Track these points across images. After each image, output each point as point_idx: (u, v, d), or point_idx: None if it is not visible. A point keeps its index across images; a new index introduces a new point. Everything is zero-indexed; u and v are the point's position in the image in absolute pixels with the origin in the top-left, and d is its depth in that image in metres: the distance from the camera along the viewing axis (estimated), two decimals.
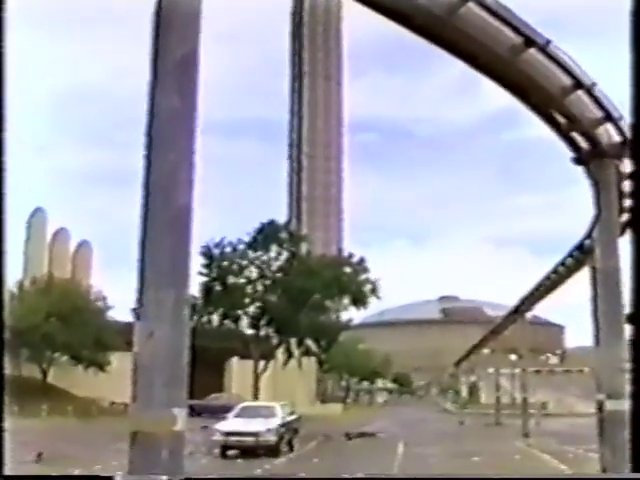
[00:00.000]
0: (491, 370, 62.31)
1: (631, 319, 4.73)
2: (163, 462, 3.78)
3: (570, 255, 24.65)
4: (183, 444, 3.78)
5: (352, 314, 65.11)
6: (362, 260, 60.23)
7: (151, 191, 3.97)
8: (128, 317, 62.71)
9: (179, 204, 3.95)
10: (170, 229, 3.87)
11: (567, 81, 11.26)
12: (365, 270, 59.66)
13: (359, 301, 59.56)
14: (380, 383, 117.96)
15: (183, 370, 3.83)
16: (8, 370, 39.67)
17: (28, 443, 27.23)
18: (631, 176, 13.24)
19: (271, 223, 59.81)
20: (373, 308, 65.82)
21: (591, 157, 13.39)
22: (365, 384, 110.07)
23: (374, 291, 59.19)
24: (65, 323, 55.08)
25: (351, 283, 58.77)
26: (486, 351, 65.89)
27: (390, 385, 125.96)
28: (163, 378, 3.74)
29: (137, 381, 3.82)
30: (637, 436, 4.67)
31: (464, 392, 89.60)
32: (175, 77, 4.11)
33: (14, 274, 68.88)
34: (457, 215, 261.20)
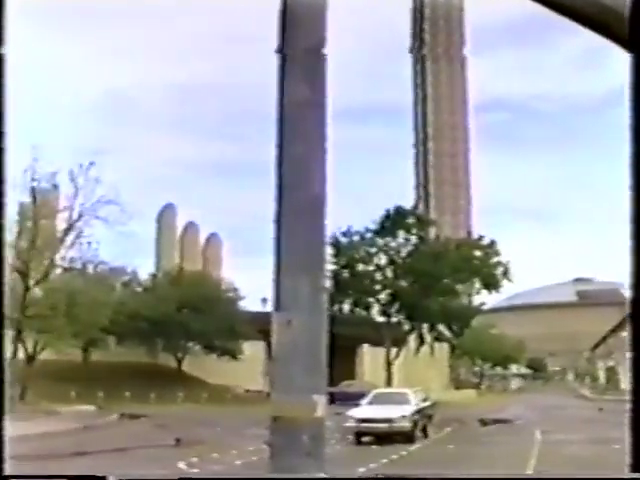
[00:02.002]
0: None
1: (631, 318, 4.54)
2: (304, 447, 3.83)
3: None
4: (324, 430, 3.83)
5: (484, 298, 64.32)
6: (492, 243, 59.37)
7: (284, 181, 4.03)
8: (259, 306, 64.26)
9: (312, 193, 3.99)
10: (304, 218, 3.92)
11: None
12: (496, 253, 58.79)
13: (491, 285, 58.79)
14: (514, 369, 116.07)
15: (322, 357, 3.87)
16: (146, 359, 41.37)
17: (166, 428, 28.37)
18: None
19: (398, 209, 59.71)
20: (505, 292, 64.81)
21: None
22: (498, 370, 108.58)
23: (506, 274, 58.29)
24: (198, 313, 56.81)
25: (482, 266, 58.05)
26: (624, 334, 63.76)
27: (524, 370, 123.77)
28: (302, 365, 3.80)
29: (276, 368, 3.89)
30: (637, 436, 4.46)
31: (602, 377, 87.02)
32: (303, 66, 4.14)
33: (147, 268, 71.63)
34: (589, 195, 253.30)
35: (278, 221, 4.06)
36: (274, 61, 4.58)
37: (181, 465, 17.30)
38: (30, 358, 46.71)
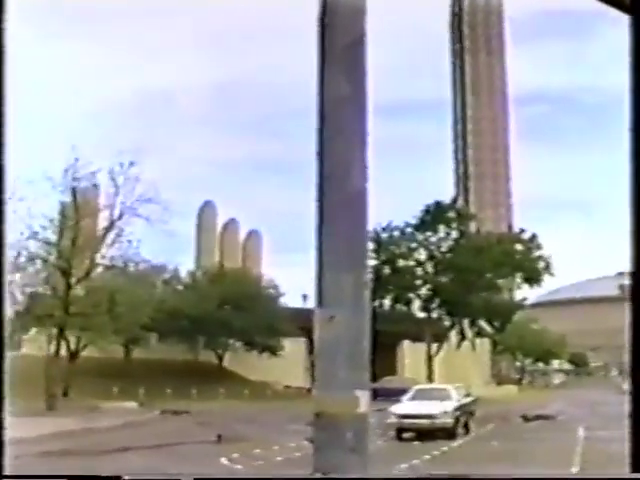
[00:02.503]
0: None
1: (632, 314, 4.44)
2: (347, 443, 3.83)
3: None
4: (367, 426, 3.83)
5: (525, 293, 63.76)
6: (534, 237, 58.81)
7: (325, 178, 4.02)
8: (299, 303, 64.35)
9: (353, 189, 3.98)
10: (346, 214, 3.91)
11: None
12: (538, 247, 58.24)
13: (532, 279, 58.26)
14: (556, 364, 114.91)
15: (365, 353, 3.86)
16: (187, 356, 41.59)
17: (207, 425, 28.56)
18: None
19: (438, 203, 59.43)
20: (547, 286, 64.14)
21: None
22: (540, 365, 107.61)
23: (547, 268, 57.71)
24: (239, 310, 57.05)
25: (523, 261, 57.54)
26: None
27: (566, 366, 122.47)
28: (345, 361, 3.79)
29: (319, 364, 3.89)
30: (637, 436, 4.38)
31: None
32: (343, 63, 4.13)
33: (187, 266, 72.13)
34: None
35: (320, 217, 4.06)
36: (314, 57, 4.59)
37: (223, 461, 17.39)
38: (73, 355, 47.25)
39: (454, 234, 58.71)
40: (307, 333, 55.78)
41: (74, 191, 41.57)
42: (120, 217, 42.25)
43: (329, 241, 3.93)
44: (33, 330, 53.46)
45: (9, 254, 43.00)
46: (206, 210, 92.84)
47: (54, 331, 42.31)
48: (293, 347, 61.28)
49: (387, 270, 56.45)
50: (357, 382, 3.89)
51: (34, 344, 53.25)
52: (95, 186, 43.95)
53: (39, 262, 44.03)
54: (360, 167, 4.07)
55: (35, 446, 20.33)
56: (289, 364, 59.65)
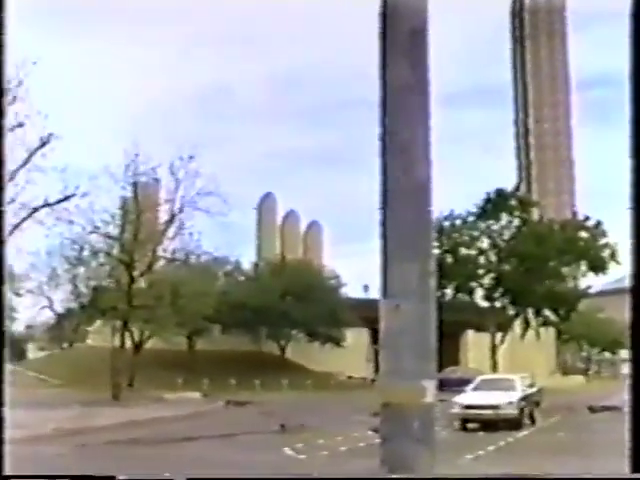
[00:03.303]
0: None
1: (632, 314, 4.29)
2: (414, 433, 3.81)
3: None
4: (434, 416, 3.80)
5: (591, 281, 62.64)
6: (599, 224, 57.70)
7: (388, 167, 3.99)
8: (361, 293, 64.34)
9: (417, 178, 3.95)
10: (410, 204, 3.88)
11: None
12: (603, 234, 57.10)
13: (597, 267, 57.19)
14: (623, 354, 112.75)
15: (431, 343, 3.83)
16: (250, 347, 41.91)
17: (271, 415, 28.76)
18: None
19: (499, 191, 58.73)
20: (613, 274, 62.85)
21: None
22: (606, 355, 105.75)
23: (613, 256, 56.53)
24: (300, 301, 57.19)
25: (588, 248, 56.53)
26: None
27: None
28: (411, 351, 3.77)
29: (385, 354, 3.87)
30: (637, 436, 4.23)
31: None
32: (406, 51, 4.09)
33: (249, 257, 72.65)
34: None
35: (384, 207, 4.04)
36: (374, 46, 4.56)
37: (287, 451, 17.48)
38: (137, 347, 47.98)
39: (516, 222, 57.96)
40: (369, 323, 55.75)
41: (135, 186, 42.11)
42: (181, 210, 42.69)
43: (394, 231, 3.91)
44: (98, 322, 54.48)
45: (74, 248, 43.84)
46: (266, 202, 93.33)
47: (118, 323, 42.99)
48: (355, 338, 61.32)
49: (449, 259, 55.98)
50: (423, 372, 3.87)
51: (99, 336, 54.29)
52: (156, 180, 44.48)
53: (102, 256, 44.75)
54: (424, 156, 4.04)
55: (103, 435, 20.75)
56: (351, 355, 59.71)
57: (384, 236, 3.99)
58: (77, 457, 16.63)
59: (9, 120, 34.10)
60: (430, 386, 3.89)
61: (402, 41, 4.16)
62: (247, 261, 70.14)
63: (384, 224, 4.00)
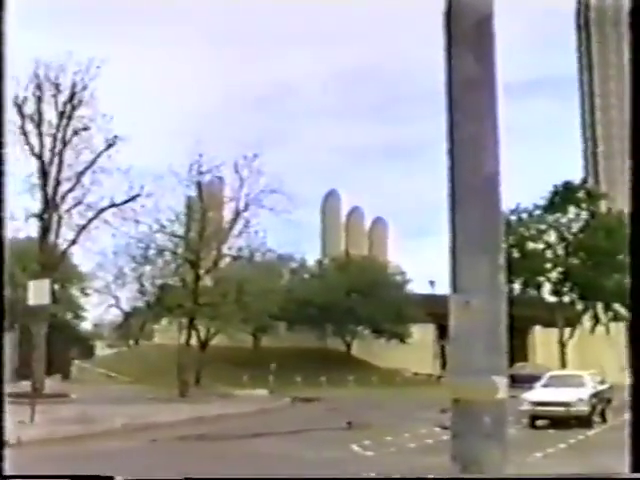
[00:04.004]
0: None
1: (631, 315, 4.12)
2: (485, 429, 3.76)
3: None
4: (506, 412, 3.75)
5: None
6: None
7: (456, 161, 3.95)
8: (427, 289, 63.96)
9: (486, 172, 3.89)
10: (479, 198, 3.83)
11: None
12: None
13: None
14: None
15: (501, 338, 3.77)
16: (315, 343, 41.92)
17: (337, 411, 28.79)
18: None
19: (566, 184, 57.84)
20: None
21: None
22: None
23: None
24: (366, 298, 57.14)
25: None
26: None
27: None
28: (481, 346, 3.72)
29: (455, 350, 3.83)
30: (637, 436, 4.05)
31: None
32: (471, 43, 4.04)
33: (313, 254, 72.83)
34: None
35: (452, 202, 4.00)
36: (438, 40, 4.50)
37: (355, 448, 17.47)
38: (203, 344, 48.46)
39: (584, 215, 57.01)
40: (435, 319, 55.47)
41: (199, 185, 42.49)
42: (245, 209, 42.92)
43: (462, 225, 3.86)
44: (164, 320, 55.21)
45: (140, 247, 44.48)
46: (330, 199, 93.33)
47: (184, 321, 43.46)
48: (421, 334, 61.02)
49: (516, 254, 55.32)
50: (494, 368, 3.81)
51: (165, 334, 55.04)
52: (220, 179, 44.82)
53: (168, 254, 45.28)
54: (492, 149, 3.98)
55: (172, 430, 21.03)
56: (417, 351, 59.43)
57: (453, 231, 3.95)
58: (147, 452, 16.87)
59: (75, 123, 34.85)
60: (501, 382, 3.83)
61: (467, 33, 4.11)
62: (312, 258, 70.33)
63: (453, 219, 3.96)
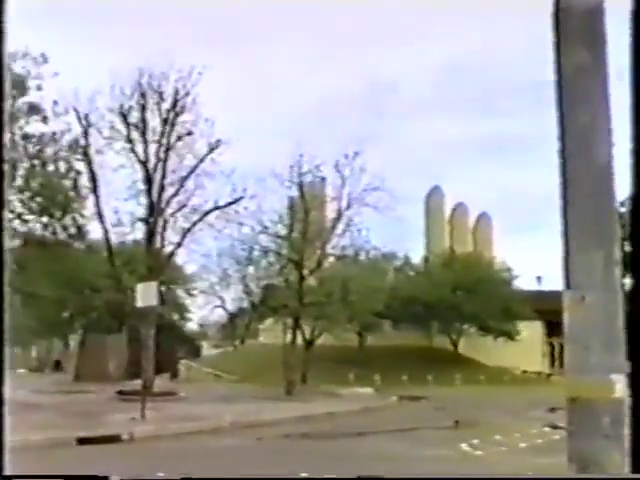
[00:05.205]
0: None
1: (632, 314, 3.79)
2: (604, 429, 3.65)
3: None
4: (625, 412, 3.62)
5: None
6: None
7: (568, 153, 3.84)
8: (533, 286, 62.70)
9: (598, 163, 3.77)
10: (592, 190, 3.71)
11: None
12: None
13: None
14: None
15: (619, 334, 3.65)
16: (421, 341, 41.61)
17: (444, 410, 28.57)
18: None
19: None
20: None
21: None
22: None
23: None
24: (472, 295, 56.50)
25: None
26: None
27: None
28: (598, 344, 3.61)
29: (570, 348, 3.73)
30: (637, 436, 3.70)
31: None
32: (581, 31, 3.92)
33: (417, 252, 72.37)
34: None
35: (564, 194, 3.89)
36: (545, 27, 4.39)
37: (463, 447, 17.28)
38: (308, 344, 48.80)
39: None
40: (543, 316, 54.34)
41: (301, 185, 42.77)
42: (348, 207, 42.96)
43: (575, 218, 3.76)
44: (269, 320, 55.87)
45: (244, 249, 45.13)
46: (434, 195, 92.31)
47: (289, 321, 43.85)
48: (529, 331, 59.88)
49: (628, 247, 53.71)
50: (612, 365, 3.70)
51: (270, 333, 55.69)
52: (322, 179, 44.99)
53: (272, 255, 45.77)
54: (605, 139, 3.87)
55: (279, 428, 21.25)
56: (526, 348, 58.37)
57: (565, 224, 3.85)
58: (256, 450, 17.09)
59: (178, 129, 35.63)
60: (620, 380, 3.72)
61: (577, 20, 4.00)
62: (416, 255, 69.92)
63: (565, 212, 3.86)
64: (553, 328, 55.74)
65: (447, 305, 55.37)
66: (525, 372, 58.69)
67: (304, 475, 10.80)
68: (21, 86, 24.35)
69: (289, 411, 26.39)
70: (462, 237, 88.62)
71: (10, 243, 28.89)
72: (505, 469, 13.97)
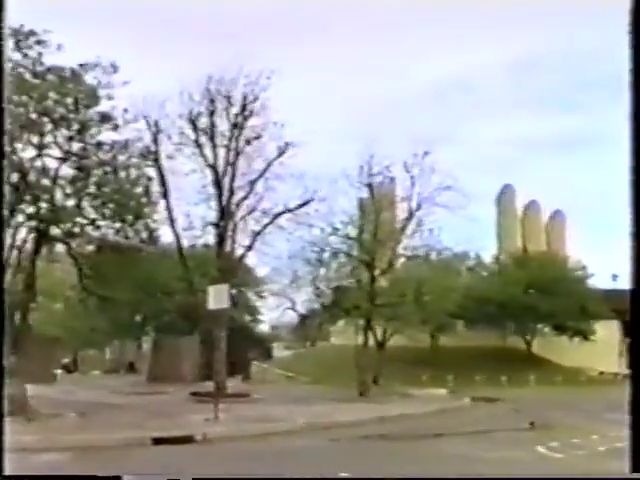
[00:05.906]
0: None
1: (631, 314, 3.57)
2: None
3: None
4: None
5: None
6: None
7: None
8: (610, 284, 61.38)
9: None
10: None
11: None
12: None
13: None
14: None
15: None
16: (494, 342, 41.16)
17: (519, 411, 28.23)
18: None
19: None
20: None
21: None
22: None
23: None
24: (546, 294, 55.75)
25: None
26: None
27: None
28: None
29: None
30: (637, 436, 3.47)
31: None
32: None
33: (490, 251, 71.57)
34: None
35: (636, 192, 3.79)
36: (621, 24, 4.28)
37: (540, 449, 16.99)
38: (380, 345, 48.64)
39: None
40: (620, 315, 53.08)
41: (371, 186, 42.62)
42: (418, 207, 42.65)
43: None
44: (340, 322, 55.86)
45: (314, 251, 45.19)
46: (506, 193, 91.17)
47: (361, 322, 43.74)
48: (606, 331, 58.70)
49: None
50: None
51: (342, 335, 55.70)
52: (391, 179, 44.74)
53: (342, 257, 45.71)
54: None
55: (354, 430, 21.21)
56: (602, 349, 57.21)
57: (636, 221, 3.75)
58: (332, 451, 17.06)
59: (247, 133, 35.86)
60: None
61: None
62: (488, 255, 69.17)
63: (636, 210, 3.76)
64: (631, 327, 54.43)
65: (521, 304, 54.70)
66: (602, 373, 57.53)
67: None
68: (93, 96, 24.81)
69: (363, 412, 26.32)
70: (535, 235, 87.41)
71: (85, 248, 29.55)
72: (586, 471, 13.70)
